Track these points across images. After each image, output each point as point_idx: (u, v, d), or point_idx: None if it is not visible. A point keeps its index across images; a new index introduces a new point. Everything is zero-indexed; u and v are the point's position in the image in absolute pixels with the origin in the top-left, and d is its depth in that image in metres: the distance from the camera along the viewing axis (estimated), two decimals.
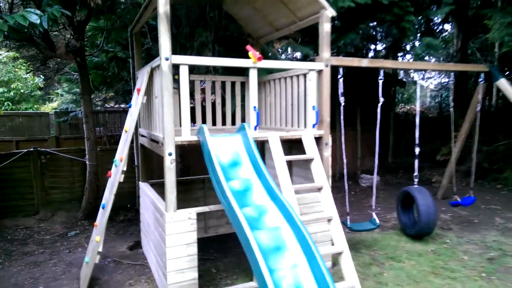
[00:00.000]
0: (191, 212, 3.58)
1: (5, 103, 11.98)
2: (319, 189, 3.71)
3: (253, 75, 3.75)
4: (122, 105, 8.43)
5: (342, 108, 4.33)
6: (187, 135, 3.53)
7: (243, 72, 6.32)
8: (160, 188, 4.85)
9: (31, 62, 10.26)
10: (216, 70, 5.80)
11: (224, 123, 5.45)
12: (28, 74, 13.55)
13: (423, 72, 16.47)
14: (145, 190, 4.68)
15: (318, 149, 3.97)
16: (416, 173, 5.11)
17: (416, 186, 5.11)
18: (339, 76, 4.31)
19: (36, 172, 6.91)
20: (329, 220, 3.50)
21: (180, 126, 3.68)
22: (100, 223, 3.94)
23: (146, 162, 5.09)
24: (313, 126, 4.11)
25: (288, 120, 4.62)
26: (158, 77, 3.64)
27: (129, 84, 7.29)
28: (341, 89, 4.28)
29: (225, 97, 5.38)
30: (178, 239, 3.50)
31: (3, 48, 11.54)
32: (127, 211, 6.89)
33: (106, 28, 6.64)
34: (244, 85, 5.47)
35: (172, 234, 3.48)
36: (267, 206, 3.08)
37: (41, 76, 15.27)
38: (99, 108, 9.06)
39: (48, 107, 16.17)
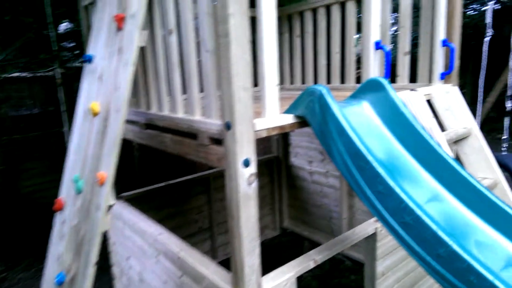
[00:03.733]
0: (288, 282, 1.65)
1: None
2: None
3: None
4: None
5: (486, 46, 2.63)
6: (276, 113, 1.51)
7: None
8: (136, 204, 2.75)
9: None
10: None
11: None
12: None
13: None
14: (129, 218, 2.51)
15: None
16: (506, 136, 3.76)
17: (505, 153, 3.78)
18: None
19: None
20: None
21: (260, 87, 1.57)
22: None
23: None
24: (442, 76, 2.35)
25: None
26: None
27: (46, 32, 4.58)
28: (489, 12, 2.54)
29: None
30: None
31: None
32: None
33: None
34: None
35: None
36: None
37: None
38: None
39: None
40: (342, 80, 2.98)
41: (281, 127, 1.51)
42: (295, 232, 4.13)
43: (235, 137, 1.34)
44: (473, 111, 2.61)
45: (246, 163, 1.39)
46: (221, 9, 1.26)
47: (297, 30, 3.21)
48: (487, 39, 2.75)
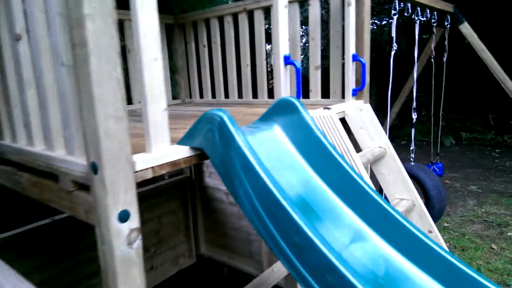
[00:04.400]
0: None
1: None
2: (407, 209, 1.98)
3: None
4: None
5: (392, 59, 2.59)
6: (166, 146, 1.18)
7: None
8: (10, 250, 2.23)
9: None
10: None
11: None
12: None
13: None
14: None
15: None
16: (413, 147, 3.90)
17: (413, 163, 3.92)
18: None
19: None
20: None
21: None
22: None
23: None
24: (354, 93, 2.25)
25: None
26: None
27: None
28: (394, 26, 2.50)
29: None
30: None
31: None
32: None
33: None
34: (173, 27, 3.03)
35: None
36: None
37: None
38: None
39: None
40: (255, 95, 2.76)
41: (174, 163, 1.18)
42: (212, 258, 3.80)
43: (104, 184, 0.97)
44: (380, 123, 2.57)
45: (124, 217, 1.03)
46: (74, 8, 0.90)
47: (203, 39, 2.92)
48: (393, 52, 2.78)
